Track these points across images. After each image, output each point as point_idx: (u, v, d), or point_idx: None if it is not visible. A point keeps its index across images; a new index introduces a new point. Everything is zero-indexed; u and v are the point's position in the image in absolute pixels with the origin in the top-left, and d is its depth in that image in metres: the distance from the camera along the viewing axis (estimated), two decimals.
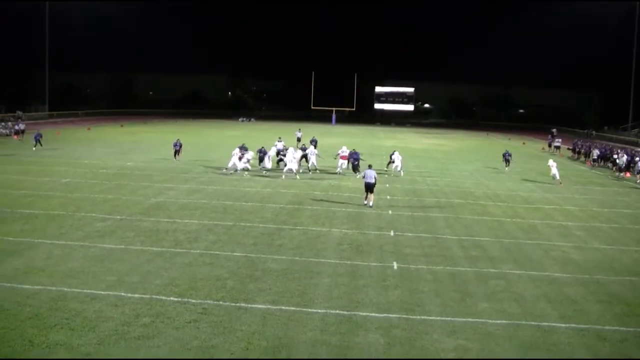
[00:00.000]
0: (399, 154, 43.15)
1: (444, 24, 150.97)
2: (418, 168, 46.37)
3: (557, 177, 41.22)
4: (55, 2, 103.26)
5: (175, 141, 46.53)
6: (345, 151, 42.54)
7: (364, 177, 30.08)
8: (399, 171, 41.71)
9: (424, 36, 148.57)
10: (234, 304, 15.75)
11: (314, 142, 49.69)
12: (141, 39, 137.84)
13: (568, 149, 65.63)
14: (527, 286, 18.17)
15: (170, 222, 24.94)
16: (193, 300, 15.87)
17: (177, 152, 45.49)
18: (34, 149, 50.98)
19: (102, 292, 16.14)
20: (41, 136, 53.09)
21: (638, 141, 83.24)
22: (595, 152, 55.25)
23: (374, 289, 17.35)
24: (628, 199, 36.15)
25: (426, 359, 13.26)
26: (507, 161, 47.82)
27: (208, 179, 36.93)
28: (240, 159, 39.57)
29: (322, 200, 31.22)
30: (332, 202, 30.76)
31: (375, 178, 29.55)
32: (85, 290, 16.22)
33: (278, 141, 46.40)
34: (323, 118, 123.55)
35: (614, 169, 49.67)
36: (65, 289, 16.26)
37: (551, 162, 42.61)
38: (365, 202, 29.72)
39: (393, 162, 42.51)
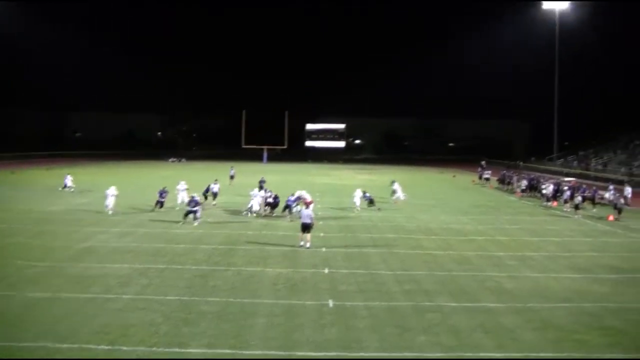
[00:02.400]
0: (306, 192, 42.30)
1: (371, 58, 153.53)
2: (351, 204, 46.57)
3: (357, 204, 43.38)
4: None
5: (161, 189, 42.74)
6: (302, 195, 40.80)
7: (299, 217, 29.90)
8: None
9: (353, 72, 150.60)
10: (168, 350, 15.47)
11: (262, 182, 47.97)
12: (70, 78, 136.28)
13: (497, 180, 66.99)
14: (462, 318, 18.38)
15: (101, 267, 24.39)
16: (125, 348, 15.51)
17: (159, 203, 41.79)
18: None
19: (30, 344, 15.62)
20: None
21: (563, 171, 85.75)
22: (524, 183, 56.59)
23: (310, 328, 17.27)
24: (556, 228, 37.07)
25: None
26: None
27: (139, 221, 36.29)
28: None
29: (255, 240, 31.02)
30: (266, 241, 30.57)
31: (311, 218, 29.30)
32: (9, 343, 15.66)
33: (214, 183, 45.39)
34: (255, 156, 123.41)
35: (541, 198, 50.89)
36: None
37: (357, 192, 44.77)
38: (302, 244, 29.08)
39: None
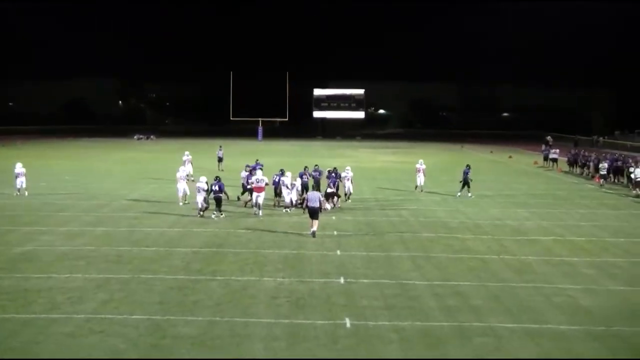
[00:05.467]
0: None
1: (400, 6, 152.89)
2: (374, 194, 46.54)
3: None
4: None
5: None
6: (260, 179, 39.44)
7: (307, 200, 32.04)
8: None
9: (376, 22, 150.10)
10: None
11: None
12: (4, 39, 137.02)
13: (567, 161, 66.71)
14: (524, 344, 18.30)
15: (44, 277, 24.40)
16: None
17: None
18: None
19: None
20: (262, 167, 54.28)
21: None
22: (604, 166, 55.82)
23: (321, 355, 17.25)
24: None
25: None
26: (465, 182, 46.09)
27: (95, 218, 36.33)
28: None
29: (249, 240, 31.05)
30: (263, 242, 30.64)
31: (320, 201, 31.46)
32: None
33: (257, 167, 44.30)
34: (247, 132, 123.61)
35: (630, 186, 50.48)
36: None
37: (420, 163, 48.16)
38: (311, 231, 31.23)
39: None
